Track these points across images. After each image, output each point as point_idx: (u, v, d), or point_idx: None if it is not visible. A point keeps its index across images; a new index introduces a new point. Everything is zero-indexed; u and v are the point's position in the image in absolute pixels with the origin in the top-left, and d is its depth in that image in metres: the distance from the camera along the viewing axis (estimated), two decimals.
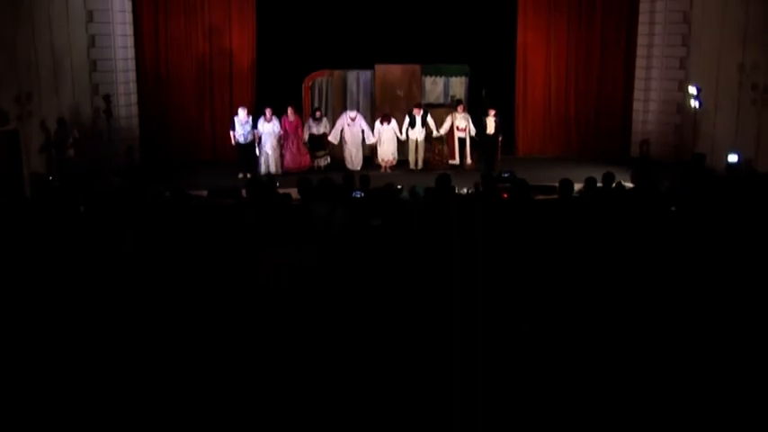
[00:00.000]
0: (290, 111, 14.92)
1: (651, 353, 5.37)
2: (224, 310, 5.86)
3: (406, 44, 16.29)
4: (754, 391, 4.94)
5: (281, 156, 15.00)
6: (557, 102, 17.66)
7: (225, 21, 16.71)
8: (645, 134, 16.97)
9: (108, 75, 15.54)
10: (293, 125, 14.96)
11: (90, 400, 4.86)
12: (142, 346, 5.48)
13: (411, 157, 15.34)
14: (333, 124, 15.34)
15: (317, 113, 15.17)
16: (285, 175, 14.26)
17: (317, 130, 15.14)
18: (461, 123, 15.26)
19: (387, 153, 15.26)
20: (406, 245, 6.92)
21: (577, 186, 8.76)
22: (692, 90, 14.67)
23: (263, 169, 14.78)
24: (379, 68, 15.88)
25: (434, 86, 16.24)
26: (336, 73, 16.05)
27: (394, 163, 15.36)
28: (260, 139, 14.80)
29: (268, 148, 14.79)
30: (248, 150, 14.81)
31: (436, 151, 15.46)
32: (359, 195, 8.91)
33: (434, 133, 15.26)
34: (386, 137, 15.20)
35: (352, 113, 15.28)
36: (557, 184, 8.41)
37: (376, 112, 15.79)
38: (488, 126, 14.99)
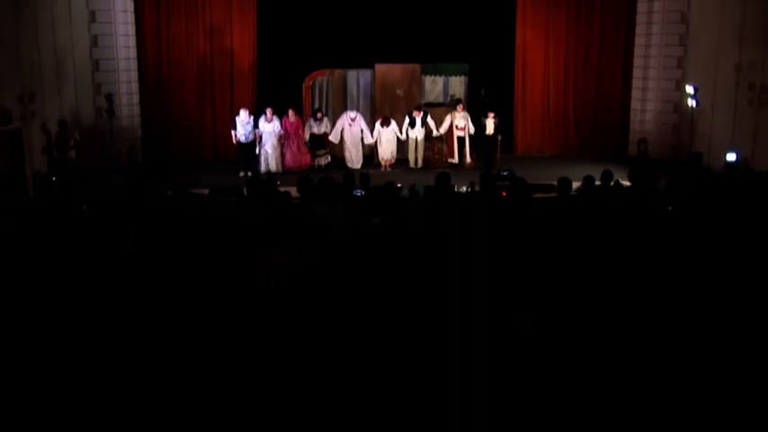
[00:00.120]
0: (290, 113, 14.98)
1: (649, 350, 5.38)
2: (225, 307, 5.86)
3: (405, 44, 16.36)
4: (751, 387, 4.96)
5: (282, 154, 15.08)
6: (555, 101, 17.73)
7: (226, 20, 16.77)
8: (642, 133, 17.02)
9: (110, 75, 15.61)
10: (294, 126, 15.03)
11: (93, 398, 4.88)
12: (144, 343, 5.50)
13: (411, 156, 15.42)
14: (333, 124, 15.42)
15: (318, 114, 15.24)
16: (286, 173, 14.36)
17: (318, 129, 15.21)
18: (461, 123, 15.33)
19: (386, 152, 15.35)
20: (405, 243, 6.91)
21: (576, 185, 8.76)
22: (690, 89, 14.75)
23: (263, 167, 14.86)
24: (379, 68, 15.95)
25: (434, 85, 16.31)
26: (337, 72, 16.12)
27: (393, 161, 15.45)
28: (260, 137, 14.89)
29: (268, 146, 14.87)
30: (249, 149, 14.88)
31: (436, 150, 15.53)
32: (359, 194, 8.90)
33: (434, 133, 15.36)
34: (386, 137, 15.28)
35: (353, 114, 15.36)
36: (555, 183, 8.46)
37: (376, 111, 15.86)
38: (487, 127, 15.07)
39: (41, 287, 6.21)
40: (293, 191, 7.54)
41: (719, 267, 6.61)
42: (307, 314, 5.70)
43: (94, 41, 15.37)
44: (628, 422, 4.72)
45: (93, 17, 15.29)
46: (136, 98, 16.37)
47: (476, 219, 6.83)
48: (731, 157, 13.51)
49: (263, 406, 4.85)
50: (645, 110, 17.15)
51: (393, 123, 15.18)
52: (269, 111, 14.83)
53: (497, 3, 17.19)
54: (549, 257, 6.70)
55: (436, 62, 16.23)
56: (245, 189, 9.06)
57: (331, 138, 15.31)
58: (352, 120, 15.28)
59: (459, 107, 15.38)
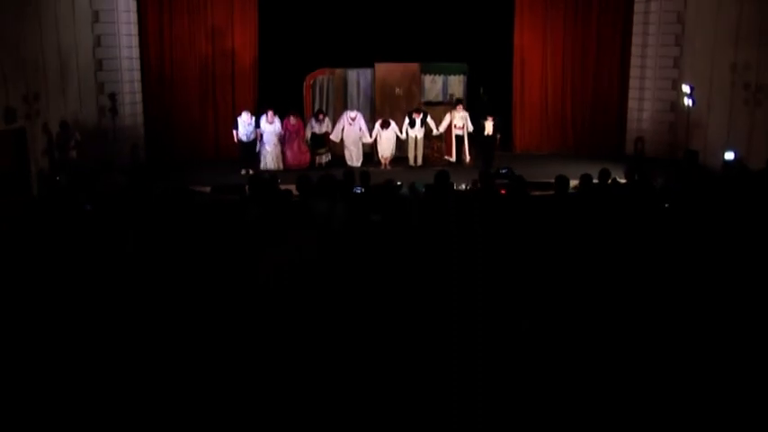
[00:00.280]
0: (292, 117, 15.14)
1: (648, 349, 5.39)
2: (225, 306, 5.87)
3: (405, 43, 16.47)
4: (747, 383, 4.98)
5: (283, 153, 15.22)
6: (553, 100, 17.83)
7: (227, 20, 16.87)
8: (639, 132, 17.07)
9: (113, 74, 15.69)
10: (295, 127, 15.19)
11: (94, 397, 4.88)
12: (146, 341, 5.50)
13: (410, 154, 15.57)
14: (334, 123, 15.54)
15: (320, 116, 15.38)
16: (287, 171, 14.50)
17: (319, 129, 15.36)
18: (459, 122, 15.48)
19: (386, 150, 15.48)
20: (405, 240, 6.88)
21: (573, 183, 8.83)
22: (686, 89, 14.87)
23: (262, 165, 14.99)
24: (379, 67, 16.07)
25: (433, 85, 16.43)
26: (337, 71, 16.23)
27: (391, 159, 15.57)
28: (261, 136, 15.01)
29: (269, 145, 15.01)
30: (250, 147, 15.01)
31: (435, 148, 15.69)
32: (359, 191, 8.97)
33: (434, 132, 15.50)
34: (385, 136, 15.42)
35: (353, 113, 15.50)
36: (553, 181, 8.53)
37: (376, 110, 15.99)
38: (486, 128, 15.16)
39: (44, 285, 6.22)
40: (294, 189, 7.65)
41: (716, 263, 6.63)
42: (307, 314, 5.70)
43: (98, 41, 15.45)
44: (628, 421, 4.71)
45: (96, 17, 15.38)
46: (139, 97, 16.46)
47: (475, 216, 6.87)
48: (729, 155, 13.56)
49: (264, 405, 4.85)
50: (642, 109, 17.24)
51: (393, 124, 15.32)
52: (270, 113, 14.96)
53: (496, 3, 17.28)
54: (547, 255, 6.71)
55: (436, 61, 16.33)
56: (247, 187, 9.16)
57: (332, 137, 15.44)
58: (352, 119, 15.42)
59: (459, 107, 15.52)
